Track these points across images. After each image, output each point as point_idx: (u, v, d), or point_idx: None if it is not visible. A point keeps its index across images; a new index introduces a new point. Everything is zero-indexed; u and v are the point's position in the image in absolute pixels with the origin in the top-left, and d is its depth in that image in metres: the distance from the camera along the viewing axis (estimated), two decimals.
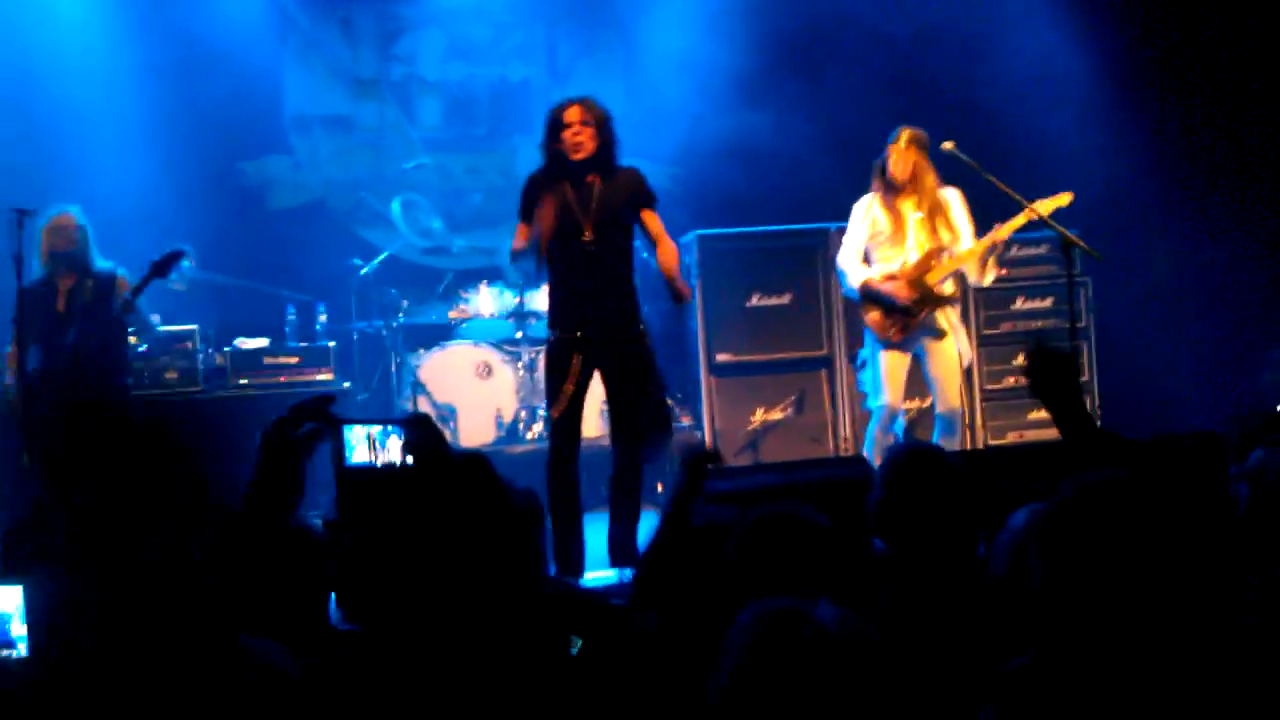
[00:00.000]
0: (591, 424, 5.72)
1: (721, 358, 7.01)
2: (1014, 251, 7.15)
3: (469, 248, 8.18)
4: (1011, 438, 7.07)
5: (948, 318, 5.54)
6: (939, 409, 5.54)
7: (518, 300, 7.36)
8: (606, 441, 4.95)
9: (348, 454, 2.07)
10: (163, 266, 5.43)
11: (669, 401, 5.04)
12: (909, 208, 5.49)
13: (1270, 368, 7.33)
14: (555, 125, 4.65)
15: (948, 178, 5.68)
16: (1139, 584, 1.49)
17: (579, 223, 4.61)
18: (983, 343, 7.13)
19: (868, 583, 2.46)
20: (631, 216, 4.73)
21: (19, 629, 2.04)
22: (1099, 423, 7.16)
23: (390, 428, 2.08)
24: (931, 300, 5.44)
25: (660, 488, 6.26)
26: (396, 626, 2.14)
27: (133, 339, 6.28)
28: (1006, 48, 7.72)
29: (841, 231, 5.81)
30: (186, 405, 6.70)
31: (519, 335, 7.41)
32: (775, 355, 7.04)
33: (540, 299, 7.21)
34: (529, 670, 2.17)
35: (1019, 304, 7.21)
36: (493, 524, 2.20)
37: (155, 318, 6.40)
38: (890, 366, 5.49)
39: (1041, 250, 7.13)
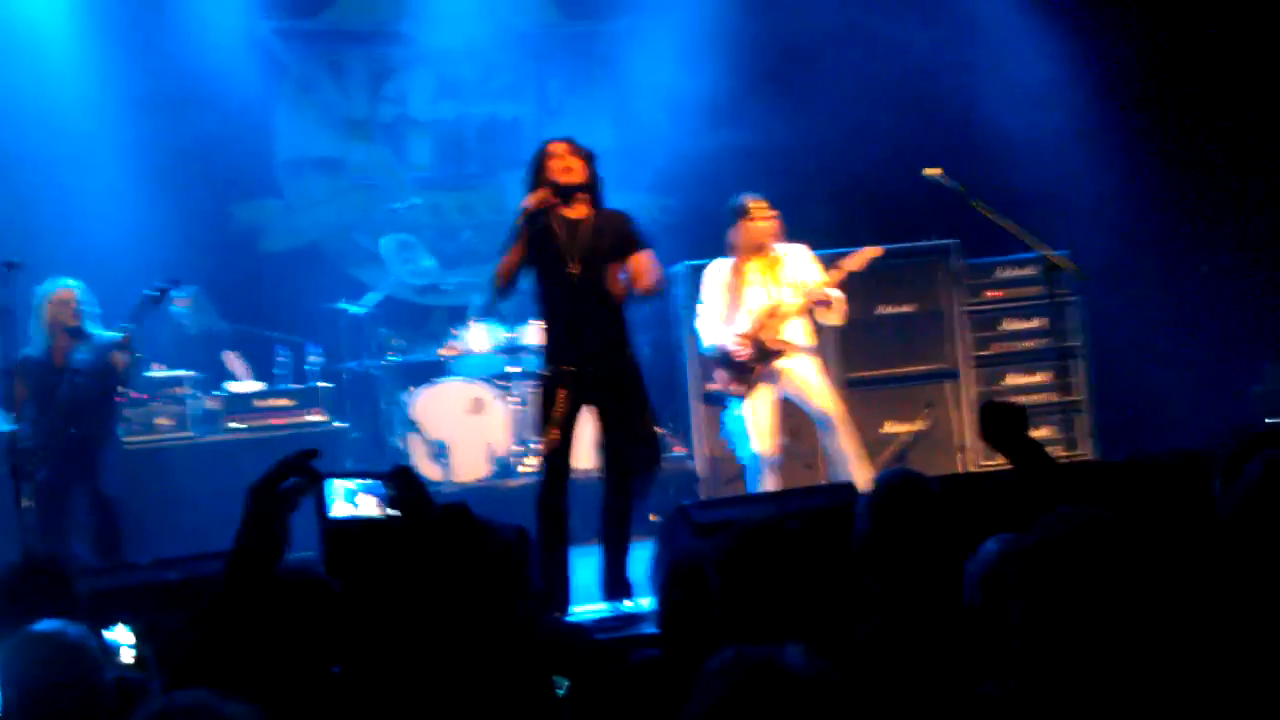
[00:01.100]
0: (583, 457, 5.72)
1: (712, 387, 7.01)
2: (1000, 273, 7.18)
3: (462, 285, 8.20)
4: (1001, 459, 7.06)
5: (790, 364, 5.75)
6: (815, 413, 5.78)
7: (509, 334, 7.38)
8: (598, 474, 4.95)
9: (328, 508, 2.07)
10: (157, 298, 5.74)
11: (659, 432, 5.05)
12: (750, 271, 5.78)
13: (1263, 381, 7.33)
14: (542, 156, 4.70)
15: (930, 203, 5.73)
16: (1118, 620, 1.50)
17: (565, 258, 4.64)
18: (970, 364, 7.15)
19: (852, 613, 2.46)
20: (618, 257, 4.73)
21: None
22: (1093, 442, 7.17)
23: (362, 484, 2.08)
24: (768, 355, 5.72)
25: (653, 518, 6.25)
26: (384, 674, 2.14)
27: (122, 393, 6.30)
28: (994, 66, 7.76)
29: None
30: (178, 451, 6.70)
31: (510, 370, 7.42)
32: None
33: (531, 334, 7.23)
34: (518, 712, 2.16)
35: (1007, 325, 7.23)
36: (475, 572, 2.21)
37: (160, 368, 6.49)
38: (754, 415, 5.72)
39: (1029, 271, 7.14)
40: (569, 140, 4.77)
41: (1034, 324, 7.17)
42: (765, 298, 5.76)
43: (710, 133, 7.89)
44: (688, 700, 1.47)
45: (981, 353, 7.19)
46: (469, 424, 7.28)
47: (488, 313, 7.34)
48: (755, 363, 5.72)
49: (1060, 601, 1.57)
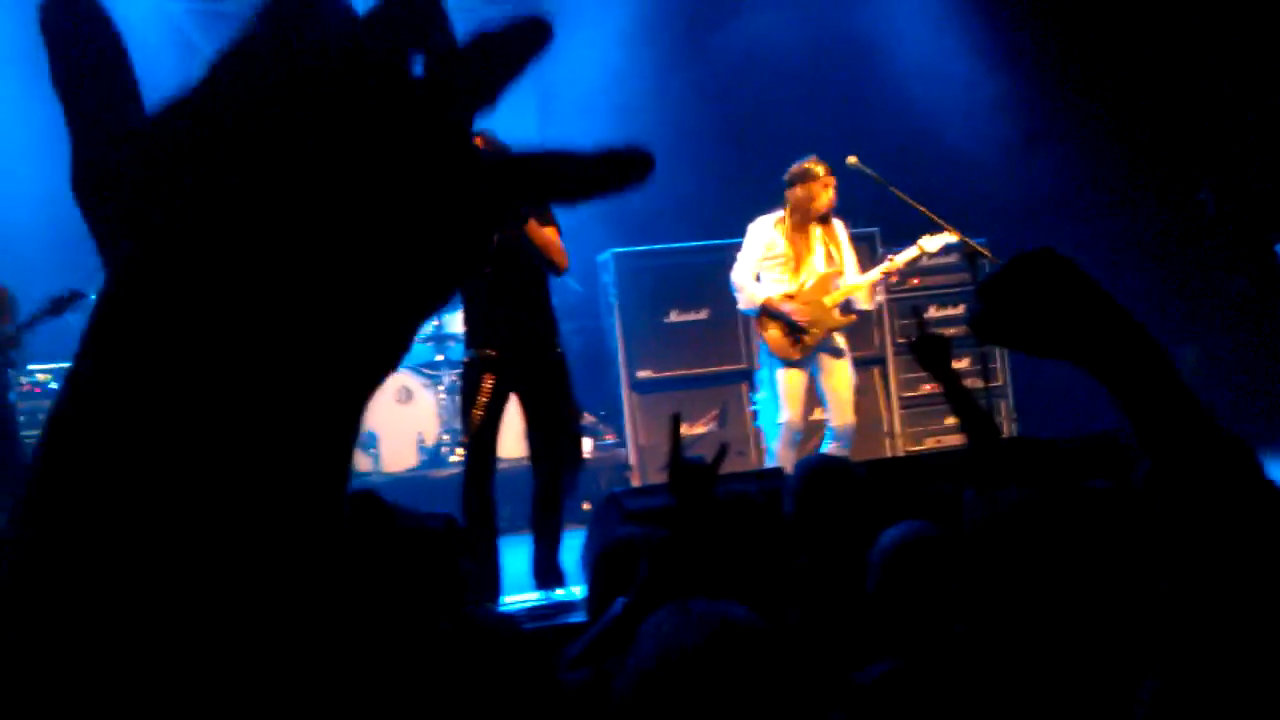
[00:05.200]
0: (513, 445, 5.71)
1: (642, 374, 7.02)
2: (925, 261, 7.28)
3: None
4: (929, 444, 7.18)
5: (844, 338, 5.74)
6: (834, 423, 5.72)
7: (436, 323, 7.32)
8: (527, 462, 4.93)
9: None
10: (59, 305, 5.37)
11: (585, 418, 5.04)
12: (814, 234, 5.68)
13: (1178, 366, 7.51)
14: None
15: (853, 191, 5.79)
16: (1052, 598, 1.53)
17: None
18: (897, 351, 7.24)
19: (784, 594, 2.48)
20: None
21: None
22: (1014, 426, 7.30)
23: None
24: (829, 322, 5.63)
25: (585, 506, 6.25)
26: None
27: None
28: (914, 60, 7.85)
29: None
30: None
31: (438, 358, 7.36)
32: (695, 370, 7.07)
33: (458, 322, 7.18)
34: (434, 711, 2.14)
35: (931, 312, 7.33)
36: (387, 560, 2.18)
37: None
38: (789, 384, 5.66)
39: (952, 259, 7.25)
40: (482, 137, 4.67)
41: (957, 311, 7.28)
42: (827, 264, 5.69)
43: (636, 120, 7.89)
44: (632, 654, 1.46)
45: (904, 340, 7.28)
46: (398, 413, 7.21)
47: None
48: (817, 327, 5.61)
49: (997, 582, 1.59)
